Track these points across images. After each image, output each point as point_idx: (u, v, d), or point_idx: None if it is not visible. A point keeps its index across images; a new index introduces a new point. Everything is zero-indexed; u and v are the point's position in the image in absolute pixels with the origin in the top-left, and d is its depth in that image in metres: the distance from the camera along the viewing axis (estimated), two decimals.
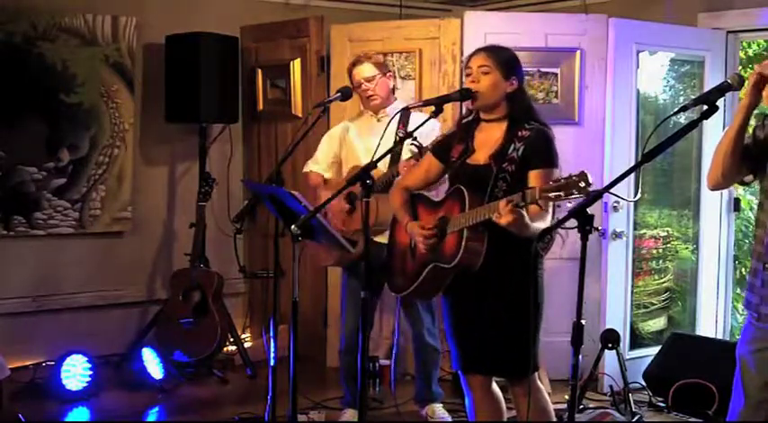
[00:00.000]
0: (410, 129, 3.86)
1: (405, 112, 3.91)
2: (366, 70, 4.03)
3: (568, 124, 4.79)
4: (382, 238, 3.63)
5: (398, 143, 3.34)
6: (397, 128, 3.91)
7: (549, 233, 2.97)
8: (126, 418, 4.35)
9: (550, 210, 2.94)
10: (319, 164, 4.22)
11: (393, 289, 3.37)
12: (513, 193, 2.79)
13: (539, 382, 3.18)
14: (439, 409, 4.26)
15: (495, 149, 3.05)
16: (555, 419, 3.26)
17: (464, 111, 3.29)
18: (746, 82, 2.62)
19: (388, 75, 4.11)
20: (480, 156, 3.09)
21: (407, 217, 3.26)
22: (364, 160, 3.98)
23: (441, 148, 3.27)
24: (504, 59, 3.08)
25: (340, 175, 4.20)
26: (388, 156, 3.81)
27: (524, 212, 2.74)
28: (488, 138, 3.10)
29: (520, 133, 3.03)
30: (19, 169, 5.00)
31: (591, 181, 2.53)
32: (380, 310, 4.92)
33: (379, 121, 4.06)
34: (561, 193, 2.56)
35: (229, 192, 5.55)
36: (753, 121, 2.71)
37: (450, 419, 4.26)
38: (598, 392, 4.73)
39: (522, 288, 2.98)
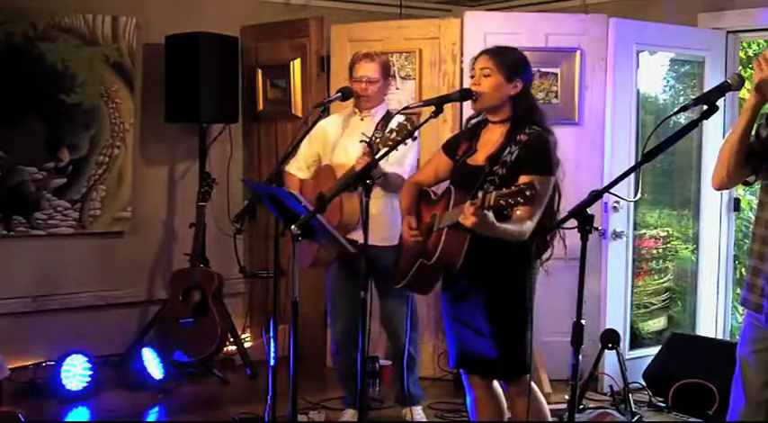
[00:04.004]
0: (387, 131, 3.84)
1: (387, 116, 3.91)
2: (372, 70, 3.99)
3: (568, 124, 4.78)
4: (355, 236, 3.64)
5: (398, 143, 3.33)
6: (375, 129, 3.86)
7: (548, 234, 2.98)
8: (126, 418, 4.35)
9: (535, 217, 2.91)
10: (299, 162, 4.15)
11: (393, 281, 3.39)
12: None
13: (533, 384, 3.18)
14: (417, 412, 4.25)
15: (493, 151, 3.05)
16: (550, 420, 3.26)
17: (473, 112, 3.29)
18: (747, 82, 2.63)
19: (388, 80, 4.09)
20: (480, 156, 3.10)
21: (406, 213, 3.29)
22: (339, 158, 3.98)
23: (450, 145, 3.28)
24: (507, 62, 3.07)
25: None
26: (356, 149, 3.82)
27: (489, 214, 2.71)
28: (490, 139, 3.11)
29: (518, 137, 3.01)
30: (19, 169, 4.99)
31: (537, 190, 2.59)
32: (378, 310, 4.92)
33: (362, 120, 4.04)
34: (510, 200, 2.57)
35: (229, 192, 5.55)
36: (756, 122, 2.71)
37: (425, 420, 4.25)
38: (598, 392, 4.74)
39: (512, 290, 3.01)
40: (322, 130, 4.13)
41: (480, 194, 2.71)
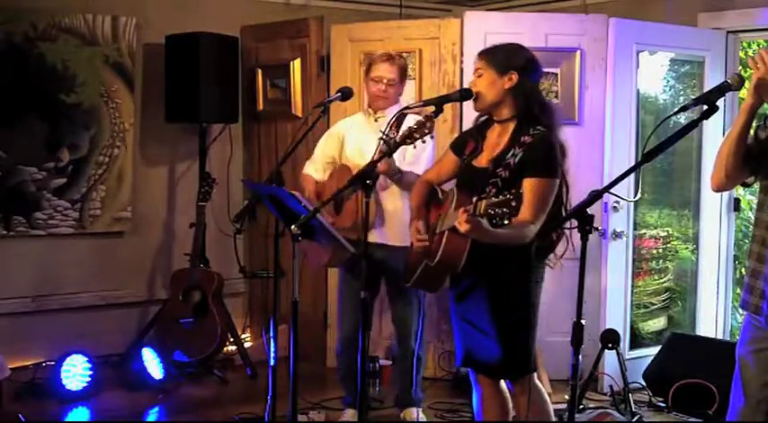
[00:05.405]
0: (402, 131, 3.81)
1: (400, 115, 3.87)
2: (393, 72, 3.99)
3: (568, 124, 4.74)
4: (370, 236, 3.63)
5: (396, 146, 3.30)
6: (389, 129, 3.85)
7: (553, 234, 2.97)
8: (126, 418, 4.35)
9: (538, 221, 2.89)
10: (315, 163, 4.20)
11: (405, 280, 3.39)
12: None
13: (537, 383, 3.19)
14: (416, 413, 4.24)
15: (496, 153, 3.03)
16: (554, 419, 3.26)
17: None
18: (747, 82, 2.63)
19: (403, 82, 4.08)
20: (484, 158, 3.08)
21: (414, 214, 3.29)
22: (354, 159, 3.99)
23: (458, 143, 3.27)
24: (498, 57, 3.05)
25: None
26: (370, 150, 3.79)
27: (483, 221, 2.67)
28: (496, 140, 3.09)
29: (522, 138, 2.98)
30: (19, 169, 4.99)
31: (523, 199, 2.60)
32: (380, 311, 4.93)
33: (376, 121, 4.04)
34: (498, 210, 2.57)
35: (229, 192, 5.55)
36: (754, 123, 2.71)
37: (425, 420, 4.25)
38: (598, 392, 4.74)
39: (512, 291, 3.01)
40: (337, 132, 4.18)
41: (474, 200, 2.70)
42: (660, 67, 5.11)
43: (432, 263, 3.03)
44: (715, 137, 4.91)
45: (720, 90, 2.52)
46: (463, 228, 2.69)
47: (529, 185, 2.91)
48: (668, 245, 5.18)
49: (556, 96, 4.88)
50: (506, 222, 2.60)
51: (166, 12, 5.42)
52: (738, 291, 5.17)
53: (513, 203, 2.55)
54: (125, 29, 5.24)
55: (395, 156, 3.53)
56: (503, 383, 3.24)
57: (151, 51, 5.40)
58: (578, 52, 4.87)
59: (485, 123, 3.17)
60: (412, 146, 3.20)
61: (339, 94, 3.97)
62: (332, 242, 3.47)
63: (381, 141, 3.47)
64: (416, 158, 3.86)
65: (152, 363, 4.72)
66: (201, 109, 5.17)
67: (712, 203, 5.10)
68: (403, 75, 4.07)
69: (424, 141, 3.18)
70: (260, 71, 5.59)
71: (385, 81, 3.99)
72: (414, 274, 3.21)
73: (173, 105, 5.27)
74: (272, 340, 3.53)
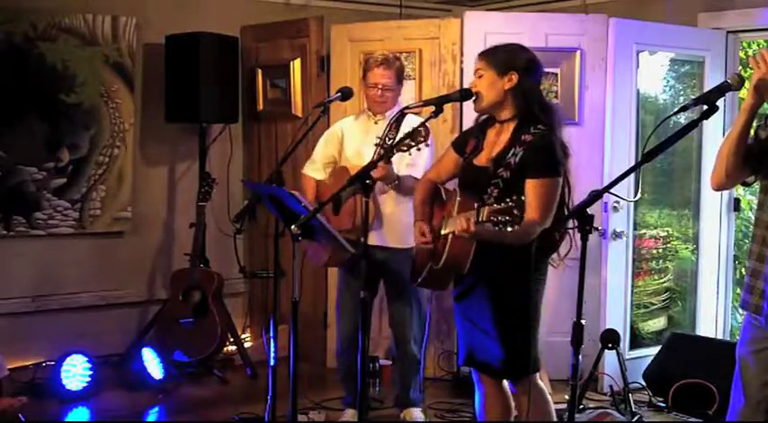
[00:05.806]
0: (402, 132, 3.80)
1: (400, 115, 3.81)
2: (388, 77, 3.98)
3: (568, 124, 4.72)
4: (370, 238, 3.63)
5: (390, 149, 3.29)
6: (388, 130, 3.79)
7: (551, 234, 2.97)
8: (126, 418, 4.36)
9: (545, 220, 2.89)
10: (315, 163, 4.20)
11: (404, 285, 3.38)
12: (503, 200, 2.76)
13: (540, 382, 3.19)
14: (415, 413, 4.25)
15: (497, 153, 3.03)
16: (555, 420, 3.26)
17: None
18: (747, 82, 2.63)
19: (400, 84, 4.08)
20: (484, 157, 3.08)
21: (418, 215, 3.27)
22: (353, 161, 3.98)
23: (459, 142, 3.26)
24: (498, 57, 3.05)
25: None
26: (370, 152, 3.80)
27: (486, 225, 2.66)
28: (496, 139, 3.09)
29: (523, 137, 2.98)
30: (19, 169, 4.99)
31: (525, 207, 2.59)
32: (380, 311, 4.93)
33: (376, 123, 4.03)
34: (500, 217, 2.56)
35: (229, 192, 5.55)
36: (754, 123, 2.71)
37: (425, 420, 4.25)
38: (598, 392, 4.74)
39: (513, 292, 3.00)
40: (337, 132, 4.17)
41: (476, 206, 2.70)
42: (660, 67, 5.11)
43: (437, 266, 3.02)
44: (715, 137, 4.91)
45: (720, 90, 2.52)
46: (467, 234, 2.69)
47: (531, 186, 2.91)
48: (668, 245, 5.18)
49: (556, 96, 4.88)
50: (509, 229, 2.60)
51: (166, 12, 5.42)
52: (738, 291, 5.17)
53: (516, 211, 2.56)
54: (125, 29, 5.24)
55: (393, 160, 3.54)
56: (505, 383, 3.24)
57: (151, 51, 5.40)
58: (578, 52, 4.87)
59: (485, 122, 3.17)
60: (407, 153, 3.20)
61: (339, 94, 3.97)
62: (331, 242, 3.47)
63: (379, 147, 3.47)
64: (414, 161, 3.85)
65: (152, 363, 4.72)
66: (201, 109, 5.17)
67: (712, 203, 5.10)
68: (399, 77, 4.05)
69: (419, 149, 3.18)
70: (260, 71, 5.59)
71: (380, 86, 3.98)
72: (420, 274, 3.21)
73: (173, 105, 5.27)
74: (272, 340, 3.53)
